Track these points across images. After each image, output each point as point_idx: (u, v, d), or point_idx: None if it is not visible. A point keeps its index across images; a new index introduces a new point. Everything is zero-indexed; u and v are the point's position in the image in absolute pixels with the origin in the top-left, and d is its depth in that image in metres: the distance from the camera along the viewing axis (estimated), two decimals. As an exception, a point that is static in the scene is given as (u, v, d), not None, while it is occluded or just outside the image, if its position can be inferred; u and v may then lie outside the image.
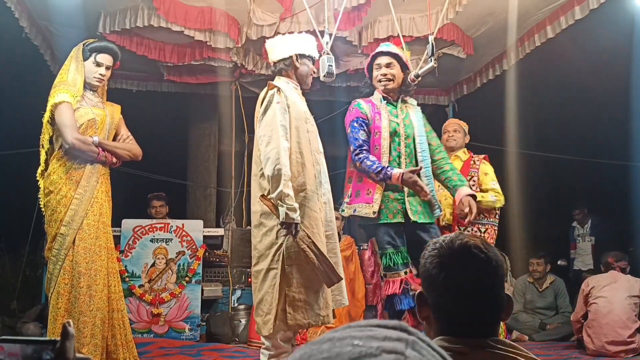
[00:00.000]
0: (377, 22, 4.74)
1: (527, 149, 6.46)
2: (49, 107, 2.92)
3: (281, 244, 2.66)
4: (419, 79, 3.07)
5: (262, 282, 2.71)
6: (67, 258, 2.88)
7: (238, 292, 4.97)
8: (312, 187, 2.76)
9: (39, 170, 3.01)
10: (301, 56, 2.90)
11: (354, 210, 3.04)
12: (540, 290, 5.28)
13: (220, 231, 5.20)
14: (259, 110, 2.81)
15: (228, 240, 5.26)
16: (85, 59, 3.05)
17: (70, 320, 0.69)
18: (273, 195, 2.57)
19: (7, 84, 5.13)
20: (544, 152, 6.63)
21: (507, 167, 6.09)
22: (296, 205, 2.58)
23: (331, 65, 2.99)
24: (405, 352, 0.43)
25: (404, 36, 4.24)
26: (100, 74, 3.07)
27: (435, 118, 5.34)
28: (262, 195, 2.67)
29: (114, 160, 3.09)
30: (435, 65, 2.92)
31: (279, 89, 2.73)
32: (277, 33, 4.66)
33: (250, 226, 2.92)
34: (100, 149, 3.00)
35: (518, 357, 1.07)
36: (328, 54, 3.03)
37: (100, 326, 2.87)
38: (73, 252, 2.89)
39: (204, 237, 4.85)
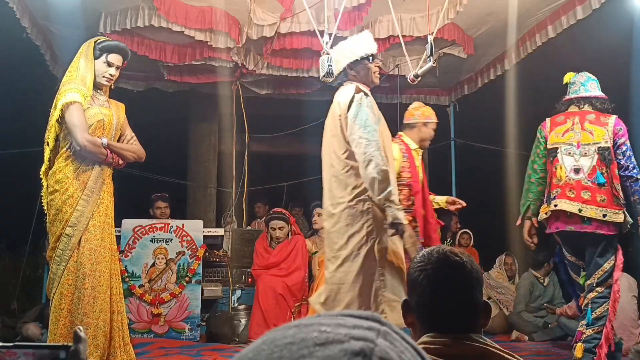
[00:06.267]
0: (378, 22, 4.74)
1: (527, 149, 6.46)
2: (59, 106, 2.86)
3: (372, 246, 2.71)
4: (419, 79, 3.06)
5: (352, 284, 2.73)
6: (71, 259, 2.84)
7: (238, 292, 4.97)
8: (394, 189, 2.81)
9: (43, 168, 2.97)
10: (366, 57, 2.95)
11: None
12: (545, 285, 5.26)
13: (220, 231, 5.20)
14: (343, 112, 2.83)
15: (228, 240, 5.26)
16: (95, 57, 3.01)
17: (81, 327, 0.70)
18: (380, 197, 2.62)
19: (7, 84, 5.14)
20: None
21: (508, 167, 6.08)
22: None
23: (331, 65, 2.98)
24: (376, 341, 0.41)
25: (404, 36, 4.24)
26: (111, 74, 3.04)
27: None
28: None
29: (120, 161, 3.07)
30: (434, 65, 2.92)
31: (365, 93, 2.81)
32: (277, 33, 4.67)
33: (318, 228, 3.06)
34: (108, 150, 2.97)
35: (496, 352, 1.18)
36: (328, 54, 3.02)
37: (102, 327, 2.85)
38: (78, 253, 2.85)
39: (204, 237, 4.85)
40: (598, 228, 3.21)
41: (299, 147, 7.02)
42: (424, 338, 1.22)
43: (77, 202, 2.87)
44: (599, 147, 3.28)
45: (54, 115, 2.90)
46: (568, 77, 3.63)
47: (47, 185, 2.94)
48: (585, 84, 3.50)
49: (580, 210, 3.19)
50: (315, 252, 5.11)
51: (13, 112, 5.55)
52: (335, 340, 0.40)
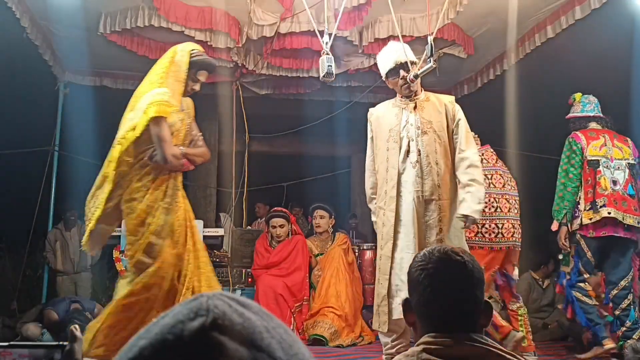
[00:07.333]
0: (378, 22, 4.74)
1: (527, 149, 6.46)
2: (149, 114, 2.70)
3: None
4: (418, 79, 3.07)
5: None
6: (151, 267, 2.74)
7: (238, 292, 4.97)
8: (381, 201, 3.08)
9: (113, 167, 2.77)
10: (387, 75, 3.11)
11: None
12: (544, 287, 5.24)
13: (220, 231, 5.19)
14: None
15: (228, 240, 5.26)
16: (188, 69, 2.91)
17: (76, 325, 0.69)
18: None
19: (6, 84, 5.13)
20: (544, 154, 6.62)
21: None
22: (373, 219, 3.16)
23: (330, 66, 2.97)
24: (208, 301, 0.47)
25: (404, 36, 4.24)
26: (194, 89, 2.99)
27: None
28: None
29: (191, 166, 3.04)
30: (434, 66, 2.91)
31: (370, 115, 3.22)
32: (277, 33, 4.68)
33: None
34: (184, 159, 2.92)
35: (498, 352, 1.17)
36: (328, 54, 3.02)
37: None
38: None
39: (204, 237, 4.84)
40: (634, 235, 3.61)
41: (299, 147, 7.03)
42: (425, 338, 1.21)
43: (159, 210, 2.80)
44: (628, 163, 3.66)
45: (142, 119, 2.72)
46: (578, 96, 3.94)
47: (112, 190, 2.80)
48: (597, 105, 3.85)
49: (623, 218, 3.52)
50: (319, 254, 5.11)
51: (13, 112, 5.55)
52: (175, 309, 0.48)
